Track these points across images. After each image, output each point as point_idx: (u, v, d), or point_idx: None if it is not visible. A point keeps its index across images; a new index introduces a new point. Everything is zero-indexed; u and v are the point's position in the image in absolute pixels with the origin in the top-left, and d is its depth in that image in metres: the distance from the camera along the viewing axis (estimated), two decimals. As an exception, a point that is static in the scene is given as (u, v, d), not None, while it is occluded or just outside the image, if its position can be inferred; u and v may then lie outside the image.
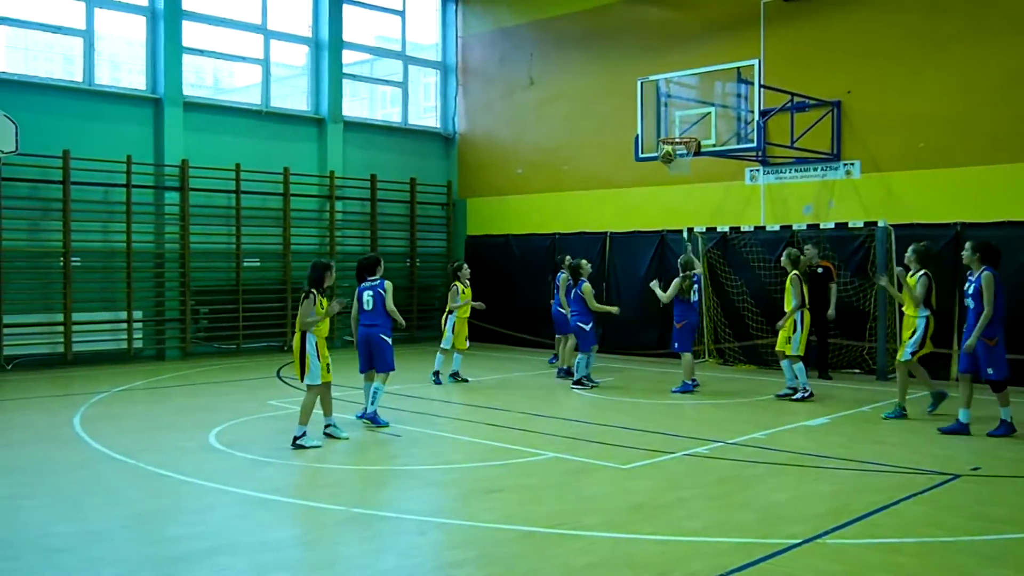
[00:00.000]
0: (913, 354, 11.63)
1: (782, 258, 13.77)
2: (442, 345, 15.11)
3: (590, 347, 14.67)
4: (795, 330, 13.23)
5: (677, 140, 16.19)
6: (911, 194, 15.98)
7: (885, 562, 6.28)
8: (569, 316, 15.27)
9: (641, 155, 16.98)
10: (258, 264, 19.86)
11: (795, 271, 13.36)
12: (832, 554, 6.43)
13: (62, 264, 17.28)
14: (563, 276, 15.98)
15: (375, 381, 11.25)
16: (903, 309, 11.93)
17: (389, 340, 11.22)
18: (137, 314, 18.12)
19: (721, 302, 17.86)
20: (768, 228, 17.18)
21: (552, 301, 16.62)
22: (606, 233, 20.06)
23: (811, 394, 13.24)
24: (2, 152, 15.90)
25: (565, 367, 15.83)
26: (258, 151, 20.01)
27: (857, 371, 16.12)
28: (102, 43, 18.63)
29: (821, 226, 16.35)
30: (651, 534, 6.88)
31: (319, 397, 10.26)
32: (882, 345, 15.42)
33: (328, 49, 21.27)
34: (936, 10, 15.81)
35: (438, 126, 23.81)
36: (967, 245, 10.88)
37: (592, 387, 14.52)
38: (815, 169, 17.11)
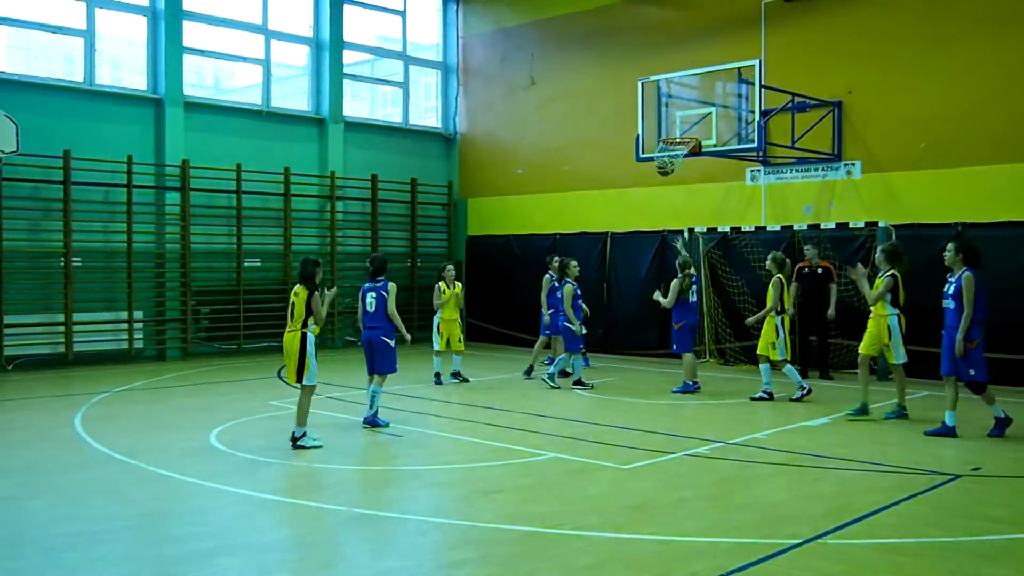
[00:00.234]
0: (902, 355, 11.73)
1: (767, 261, 13.67)
2: (433, 347, 15.09)
3: (577, 348, 14.60)
4: (778, 335, 13.17)
5: (678, 140, 16.20)
6: (912, 194, 15.98)
7: (885, 562, 6.28)
8: (547, 317, 15.33)
9: (642, 155, 16.98)
10: (259, 264, 19.87)
11: (779, 274, 13.31)
12: (832, 554, 6.44)
13: (63, 264, 17.29)
14: (547, 277, 15.98)
15: (373, 383, 11.25)
16: (871, 308, 11.83)
17: (391, 342, 11.19)
18: (138, 314, 18.13)
19: (722, 302, 17.86)
20: (769, 228, 17.19)
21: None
22: (607, 233, 20.06)
23: (809, 390, 13.29)
24: (3, 152, 15.90)
25: (531, 366, 15.96)
26: (259, 151, 20.03)
27: (857, 371, 16.08)
28: (103, 43, 18.64)
29: (822, 226, 16.36)
30: (651, 534, 6.88)
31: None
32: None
33: (329, 49, 21.27)
34: (937, 10, 15.81)
35: (439, 126, 23.82)
36: (949, 246, 10.83)
37: (553, 387, 14.45)
38: (816, 169, 17.11)
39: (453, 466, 9.44)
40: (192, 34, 19.34)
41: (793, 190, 17.46)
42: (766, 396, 13.25)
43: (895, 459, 9.40)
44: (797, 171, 17.38)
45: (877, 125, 16.41)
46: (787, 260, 13.76)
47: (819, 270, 15.48)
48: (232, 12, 20.10)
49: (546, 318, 15.65)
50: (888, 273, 11.58)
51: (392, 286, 11.27)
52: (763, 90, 15.61)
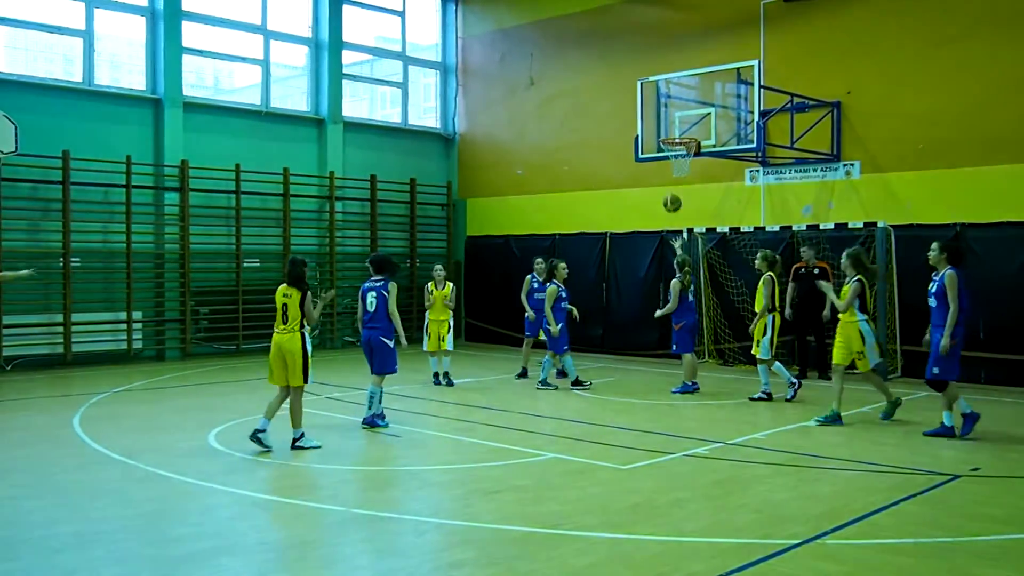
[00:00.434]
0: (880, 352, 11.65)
1: (757, 259, 13.59)
2: (423, 348, 15.07)
3: (561, 350, 14.53)
4: (765, 333, 13.15)
5: (677, 141, 16.21)
6: (911, 195, 15.98)
7: (885, 562, 6.28)
8: (531, 316, 15.32)
9: (641, 155, 16.99)
10: (258, 264, 19.86)
11: (769, 272, 13.23)
12: (832, 554, 6.44)
13: (62, 264, 17.29)
14: (528, 278, 16.01)
15: (371, 384, 11.24)
16: (839, 315, 11.71)
17: (390, 343, 11.15)
18: (137, 314, 18.13)
19: (721, 303, 17.87)
20: (768, 229, 17.19)
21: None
22: (606, 234, 20.06)
23: (799, 385, 13.28)
24: (2, 152, 15.90)
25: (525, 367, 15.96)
26: (258, 151, 20.02)
27: (856, 371, 16.08)
28: (102, 43, 18.64)
29: (821, 227, 16.35)
30: (651, 535, 6.88)
31: (276, 398, 10.00)
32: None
33: (328, 49, 21.27)
34: (936, 11, 15.81)
35: (438, 126, 23.82)
36: (933, 245, 10.83)
37: (587, 386, 14.46)
38: (815, 170, 17.12)
39: (452, 466, 9.43)
40: (191, 34, 19.34)
41: (792, 190, 17.46)
42: (765, 397, 13.24)
43: (894, 459, 9.40)
44: (796, 171, 17.38)
45: (876, 126, 16.42)
46: (777, 258, 13.71)
47: (815, 271, 15.47)
48: (231, 12, 20.11)
49: (530, 316, 15.62)
50: (855, 279, 11.51)
51: (393, 286, 11.21)
52: (762, 90, 15.60)
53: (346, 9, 21.70)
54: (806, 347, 16.06)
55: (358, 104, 23.50)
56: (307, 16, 21.36)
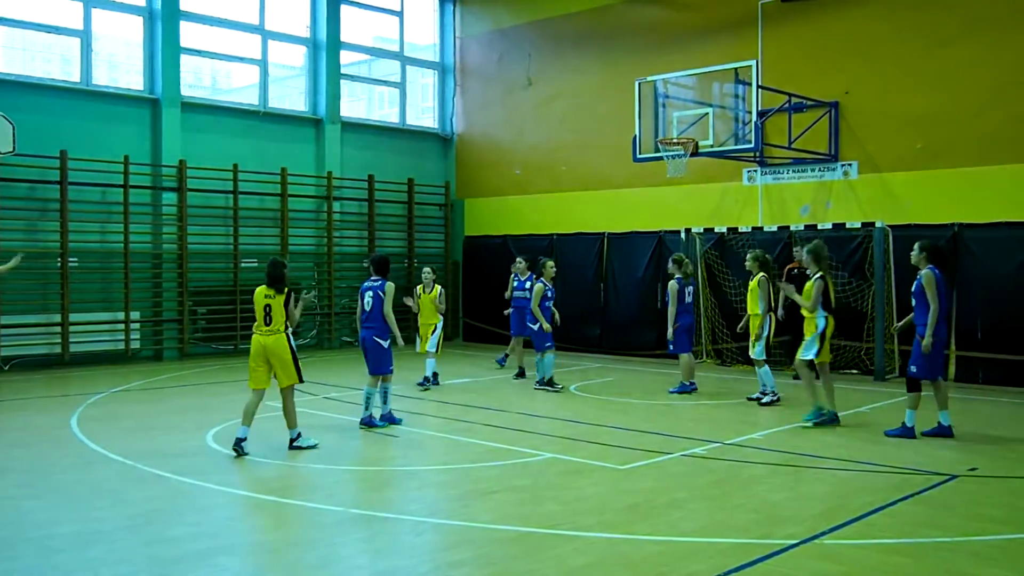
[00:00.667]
0: (817, 354, 11.40)
1: (747, 260, 13.35)
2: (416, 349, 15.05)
3: (544, 348, 14.41)
4: (825, 340, 12.87)
5: (675, 141, 16.22)
6: (909, 195, 16.00)
7: (882, 562, 6.29)
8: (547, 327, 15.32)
9: (639, 155, 17.00)
10: (256, 264, 19.82)
11: (762, 273, 13.05)
12: (830, 554, 6.44)
13: (59, 264, 17.27)
14: (511, 278, 16.00)
15: (366, 385, 11.24)
16: (803, 312, 11.65)
17: (384, 343, 11.15)
18: (135, 315, 18.12)
19: (719, 303, 17.87)
20: (766, 229, 17.20)
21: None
22: (604, 234, 20.08)
23: (778, 399, 13.03)
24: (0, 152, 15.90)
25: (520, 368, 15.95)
26: (256, 151, 20.02)
27: (855, 371, 16.14)
28: (99, 43, 18.63)
29: (819, 227, 16.36)
30: (648, 535, 6.89)
31: (252, 403, 9.87)
32: (880, 346, 15.45)
33: (326, 50, 21.26)
34: (934, 11, 15.83)
35: (436, 127, 23.82)
36: (915, 245, 10.86)
37: (557, 390, 14.23)
38: (813, 170, 17.13)
39: (450, 466, 9.43)
40: (189, 34, 19.33)
41: (790, 190, 17.48)
42: (773, 397, 13.17)
43: (891, 459, 9.41)
44: (794, 171, 17.40)
45: (874, 126, 16.43)
46: (768, 257, 13.60)
47: (808, 271, 15.43)
48: (229, 12, 20.10)
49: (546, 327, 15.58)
50: (817, 275, 11.49)
51: (390, 286, 11.20)
52: (760, 90, 15.60)
53: (344, 9, 21.70)
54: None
55: (356, 104, 23.49)
56: (305, 16, 21.36)
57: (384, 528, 7.33)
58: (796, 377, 13.33)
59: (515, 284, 16.03)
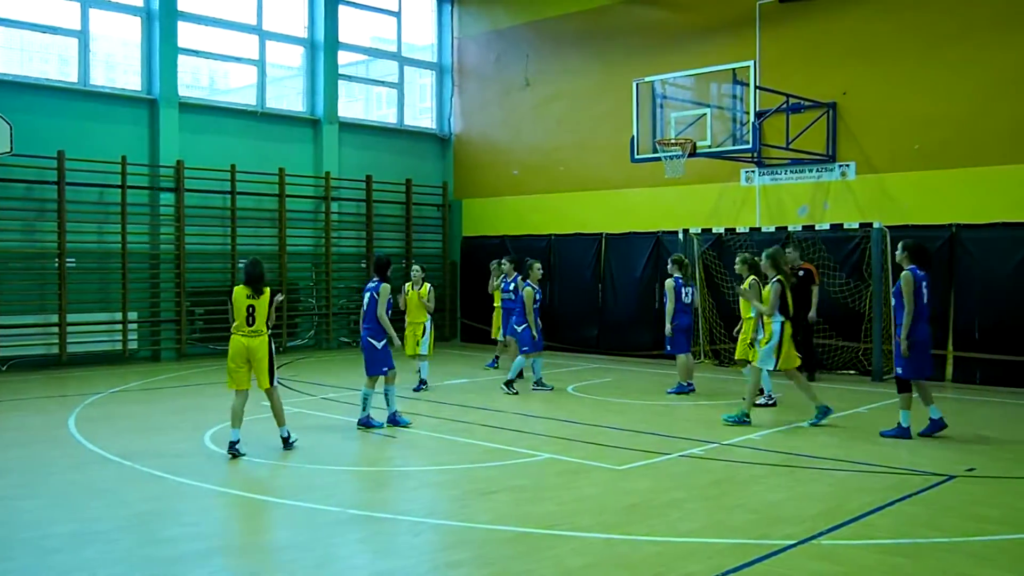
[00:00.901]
0: (776, 364, 11.42)
1: (737, 263, 13.02)
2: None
3: (524, 349, 14.33)
4: (781, 346, 12.72)
5: (672, 141, 16.22)
6: (906, 195, 16.00)
7: (880, 563, 6.29)
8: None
9: (637, 156, 17.00)
10: (253, 265, 19.82)
11: (753, 276, 12.69)
12: (827, 555, 6.44)
13: (57, 265, 17.25)
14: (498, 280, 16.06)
15: (364, 385, 11.23)
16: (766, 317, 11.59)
17: (377, 344, 11.12)
18: (132, 315, 18.11)
19: (716, 303, 17.87)
20: (764, 229, 17.18)
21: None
22: (602, 234, 20.08)
23: (774, 403, 12.95)
24: (-3, 153, 15.90)
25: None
26: (253, 152, 20.01)
27: (852, 372, 16.15)
28: (97, 44, 18.62)
29: (816, 227, 16.36)
30: (646, 535, 6.89)
31: (239, 404, 9.80)
32: (877, 346, 15.44)
33: (324, 50, 21.26)
34: (932, 12, 15.84)
35: (434, 127, 23.81)
36: (899, 245, 10.89)
37: (512, 393, 14.01)
38: (810, 170, 17.14)
39: (447, 467, 9.43)
40: (186, 35, 19.32)
41: (788, 191, 17.48)
42: (769, 403, 13.14)
43: (889, 460, 9.41)
44: (792, 172, 17.40)
45: (872, 126, 16.44)
46: (757, 260, 13.48)
47: (800, 272, 15.37)
48: (226, 13, 20.09)
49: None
50: (775, 279, 11.50)
51: (384, 288, 11.19)
52: (758, 91, 15.61)
53: (342, 9, 21.69)
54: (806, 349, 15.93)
55: (354, 104, 23.49)
56: (303, 16, 21.34)
57: (382, 528, 7.33)
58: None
59: (501, 286, 16.03)
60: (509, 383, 14.17)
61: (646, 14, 19.77)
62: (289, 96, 21.98)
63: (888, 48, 16.27)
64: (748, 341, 12.90)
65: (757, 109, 15.64)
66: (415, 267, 15.01)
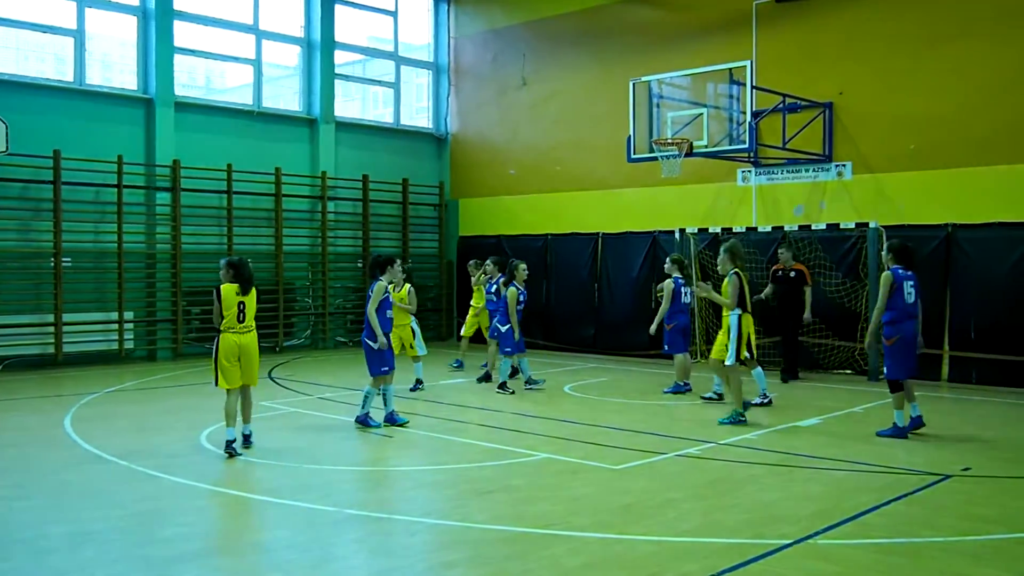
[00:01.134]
0: (737, 357, 11.52)
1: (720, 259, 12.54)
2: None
3: (506, 351, 14.24)
4: (744, 339, 12.07)
5: (669, 141, 16.23)
6: (902, 195, 16.02)
7: (876, 562, 6.29)
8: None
9: (633, 156, 17.01)
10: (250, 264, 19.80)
11: (736, 270, 12.47)
12: (823, 554, 6.45)
13: (53, 264, 17.23)
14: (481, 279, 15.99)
15: (367, 384, 11.24)
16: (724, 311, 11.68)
17: (372, 344, 11.13)
18: (128, 315, 18.09)
19: (713, 303, 17.83)
20: (760, 229, 17.20)
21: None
22: (598, 234, 20.09)
23: (770, 401, 12.88)
24: (-7, 152, 15.88)
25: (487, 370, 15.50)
26: (250, 151, 19.99)
27: (849, 371, 16.17)
28: (93, 43, 18.61)
29: (812, 227, 16.38)
30: (643, 535, 6.89)
31: (233, 403, 9.86)
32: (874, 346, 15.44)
33: (320, 49, 21.25)
34: (928, 12, 15.86)
35: (430, 127, 23.81)
36: (885, 246, 10.97)
37: (510, 393, 13.96)
38: (807, 170, 17.15)
39: (444, 467, 9.43)
40: (183, 34, 19.30)
41: (784, 191, 17.50)
42: (714, 397, 13.14)
43: (885, 459, 9.42)
44: (788, 172, 17.41)
45: (868, 126, 16.45)
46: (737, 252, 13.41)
47: (792, 273, 15.36)
48: (223, 12, 20.07)
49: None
50: (732, 272, 11.53)
51: (377, 287, 11.20)
52: (754, 91, 15.62)
53: (338, 9, 21.68)
54: (789, 348, 15.89)
55: (350, 104, 23.49)
56: (299, 16, 21.33)
57: (378, 528, 7.32)
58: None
59: (485, 286, 15.97)
60: (502, 385, 14.15)
61: (642, 14, 19.78)
62: (285, 96, 21.97)
63: (884, 48, 16.29)
64: (724, 344, 12.79)
65: (753, 109, 15.65)
66: (397, 263, 14.55)
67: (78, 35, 17.97)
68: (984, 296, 14.86)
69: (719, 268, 11.98)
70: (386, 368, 11.20)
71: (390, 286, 13.77)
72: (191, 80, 21.32)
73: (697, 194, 18.47)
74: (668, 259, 14.40)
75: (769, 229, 17.04)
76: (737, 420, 11.40)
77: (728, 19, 18.12)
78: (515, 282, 14.30)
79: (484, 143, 22.97)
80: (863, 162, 16.53)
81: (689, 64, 17.27)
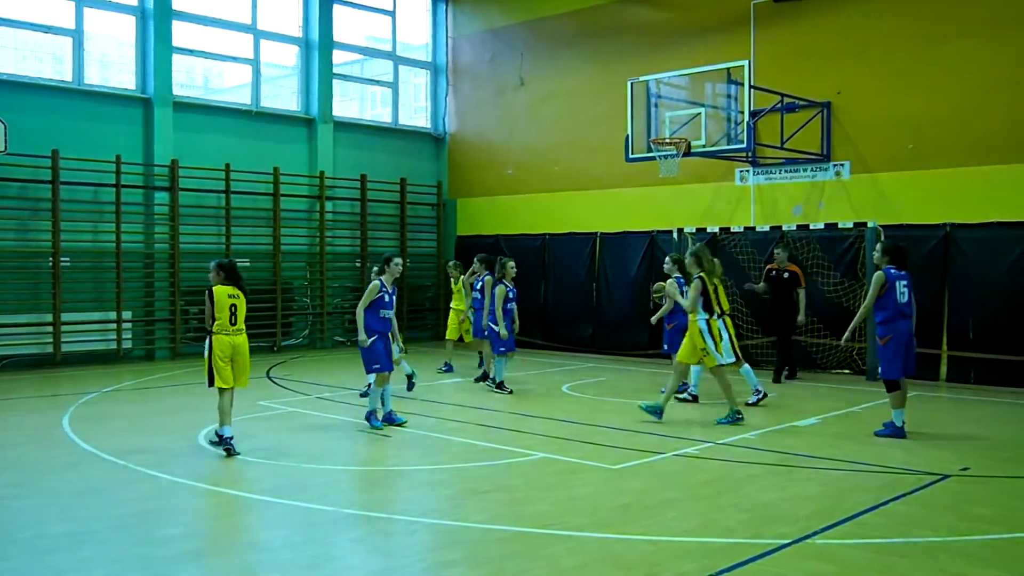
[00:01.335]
0: (720, 357, 11.63)
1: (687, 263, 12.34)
2: None
3: (499, 351, 14.17)
4: (720, 338, 11.97)
5: (667, 141, 16.23)
6: (900, 195, 16.03)
7: (874, 562, 6.30)
8: (471, 318, 15.17)
9: (631, 156, 17.01)
10: (248, 264, 19.79)
11: (700, 273, 12.15)
12: (821, 554, 6.45)
13: (51, 264, 17.22)
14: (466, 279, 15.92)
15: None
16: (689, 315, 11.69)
17: (367, 343, 11.15)
18: (126, 314, 18.07)
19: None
20: (758, 229, 17.21)
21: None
22: (596, 234, 20.09)
23: (764, 394, 12.93)
24: (-9, 152, 15.87)
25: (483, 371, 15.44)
26: (248, 151, 19.98)
27: (847, 371, 16.17)
28: (92, 43, 18.58)
29: (811, 227, 16.38)
30: (641, 534, 6.89)
31: (226, 401, 9.87)
32: (872, 345, 15.45)
33: (318, 49, 21.25)
34: (926, 12, 15.86)
35: (428, 126, 23.81)
36: (877, 247, 11.00)
37: (508, 392, 13.97)
38: (805, 170, 17.15)
39: (442, 466, 9.43)
40: (181, 34, 19.28)
41: (782, 191, 17.50)
42: (760, 397, 13.13)
43: (883, 459, 9.42)
44: (786, 172, 17.42)
45: (866, 126, 16.46)
46: (704, 257, 13.31)
47: (785, 274, 15.25)
48: (221, 12, 20.06)
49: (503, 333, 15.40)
50: (696, 276, 11.53)
51: (372, 286, 11.18)
52: (752, 91, 15.62)
53: (336, 9, 21.68)
54: (784, 348, 15.84)
55: (348, 104, 23.48)
56: (297, 16, 21.32)
57: (376, 528, 7.32)
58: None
59: (472, 284, 15.84)
60: (500, 385, 14.17)
61: (641, 13, 19.78)
62: (284, 95, 21.96)
63: (882, 48, 16.30)
64: (702, 347, 12.72)
65: (751, 108, 15.66)
66: (374, 269, 13.43)
67: (76, 35, 17.96)
68: (982, 296, 14.86)
69: (688, 271, 12.00)
70: (377, 366, 11.12)
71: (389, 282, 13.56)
72: (189, 80, 21.31)
73: (695, 194, 18.47)
74: (668, 258, 14.33)
75: (767, 229, 17.05)
76: (735, 419, 11.41)
77: (726, 19, 18.13)
78: (504, 280, 14.22)
79: (482, 143, 22.97)
80: (861, 162, 16.54)
81: (687, 64, 17.28)
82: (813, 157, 16.83)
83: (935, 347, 15.04)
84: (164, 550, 6.56)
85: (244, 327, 9.96)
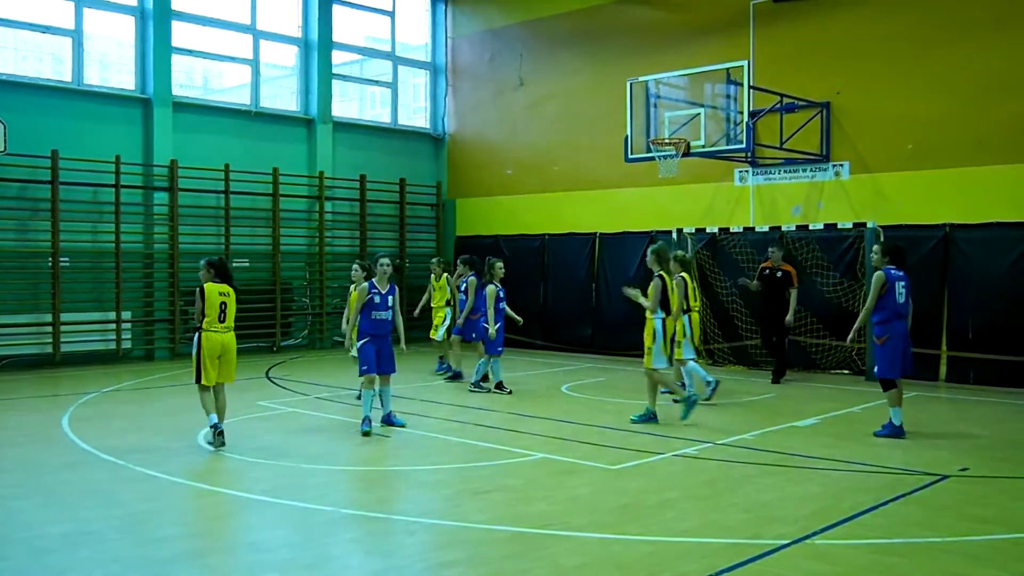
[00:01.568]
0: (669, 361, 11.75)
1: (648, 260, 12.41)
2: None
3: (493, 351, 14.14)
4: (683, 335, 12.66)
5: (666, 141, 16.24)
6: (900, 195, 16.03)
7: (874, 562, 6.30)
8: (461, 318, 15.14)
9: (631, 156, 17.02)
10: (247, 264, 19.82)
11: (684, 273, 12.70)
12: (821, 555, 6.45)
13: (51, 264, 17.22)
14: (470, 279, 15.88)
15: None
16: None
17: (358, 343, 11.13)
18: (126, 314, 18.07)
19: (710, 303, 17.88)
20: (757, 229, 17.21)
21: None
22: (596, 234, 20.09)
23: (717, 382, 13.14)
24: (-10, 152, 15.87)
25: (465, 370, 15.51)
26: (247, 151, 19.98)
27: (846, 371, 16.17)
28: (91, 43, 18.58)
29: (810, 227, 16.39)
30: (640, 535, 6.89)
31: (210, 397, 9.98)
32: (871, 346, 15.45)
33: (318, 49, 21.24)
34: (925, 12, 15.87)
35: (427, 127, 23.81)
36: (875, 247, 11.03)
37: (488, 391, 14.02)
38: (804, 170, 17.16)
39: (442, 466, 9.43)
40: (180, 34, 19.28)
41: (781, 191, 17.50)
42: (712, 389, 13.12)
43: (883, 460, 9.42)
44: (785, 172, 17.42)
45: (865, 126, 16.47)
46: (684, 255, 13.31)
47: (779, 273, 15.14)
48: (220, 12, 20.06)
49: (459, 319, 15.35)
50: (656, 275, 11.55)
51: (361, 288, 11.12)
52: (751, 91, 15.64)
53: (336, 9, 21.68)
54: (780, 348, 15.82)
55: (348, 104, 23.47)
56: (297, 16, 21.32)
57: (376, 528, 7.32)
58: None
59: (458, 285, 15.89)
60: (499, 385, 14.17)
61: (640, 14, 19.78)
62: (283, 95, 21.96)
63: (882, 48, 16.30)
64: (679, 341, 12.74)
65: (751, 109, 15.68)
66: (355, 265, 12.87)
67: (76, 35, 17.96)
68: (982, 296, 14.86)
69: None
70: (365, 368, 11.01)
71: (352, 285, 12.73)
72: (189, 80, 21.30)
73: (694, 194, 18.47)
74: (671, 257, 14.33)
75: (767, 229, 17.05)
76: (648, 419, 11.49)
77: (725, 19, 18.13)
78: (493, 280, 14.22)
79: (481, 143, 22.97)
80: (860, 162, 16.54)
81: (686, 64, 17.28)
82: (812, 157, 16.83)
83: (934, 347, 15.05)
84: (164, 550, 6.56)
85: (233, 325, 10.01)
